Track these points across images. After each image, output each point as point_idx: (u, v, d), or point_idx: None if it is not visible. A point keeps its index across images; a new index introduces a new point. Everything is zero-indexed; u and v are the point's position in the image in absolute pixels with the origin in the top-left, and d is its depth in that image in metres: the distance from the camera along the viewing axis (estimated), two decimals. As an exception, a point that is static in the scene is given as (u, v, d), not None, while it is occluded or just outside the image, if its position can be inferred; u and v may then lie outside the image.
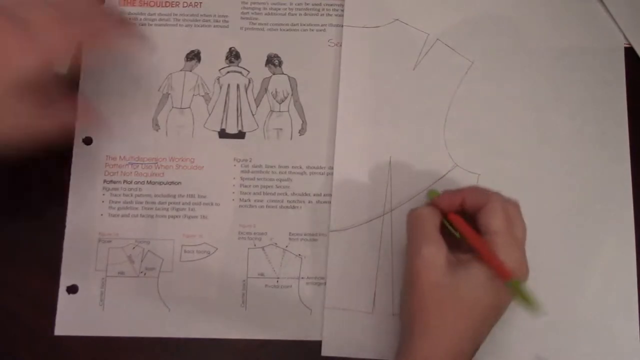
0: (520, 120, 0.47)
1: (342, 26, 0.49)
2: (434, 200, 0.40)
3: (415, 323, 0.37)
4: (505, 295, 0.37)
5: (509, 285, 0.35)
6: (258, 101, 0.48)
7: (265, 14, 0.49)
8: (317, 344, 0.44)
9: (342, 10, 0.49)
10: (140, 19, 0.49)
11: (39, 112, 0.39)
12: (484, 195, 0.39)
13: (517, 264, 0.37)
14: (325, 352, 0.44)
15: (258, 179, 0.47)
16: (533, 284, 0.44)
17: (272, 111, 0.48)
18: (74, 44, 0.39)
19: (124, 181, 0.46)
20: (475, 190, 0.40)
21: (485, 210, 0.38)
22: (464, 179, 0.46)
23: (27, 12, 0.37)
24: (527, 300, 0.35)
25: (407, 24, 0.49)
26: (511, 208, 0.39)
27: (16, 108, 0.37)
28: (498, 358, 0.44)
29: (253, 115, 0.48)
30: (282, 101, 0.48)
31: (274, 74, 0.48)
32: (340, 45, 0.48)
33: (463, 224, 0.39)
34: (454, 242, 0.39)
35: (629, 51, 0.49)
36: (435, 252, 0.37)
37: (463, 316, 0.37)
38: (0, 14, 0.37)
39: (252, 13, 0.49)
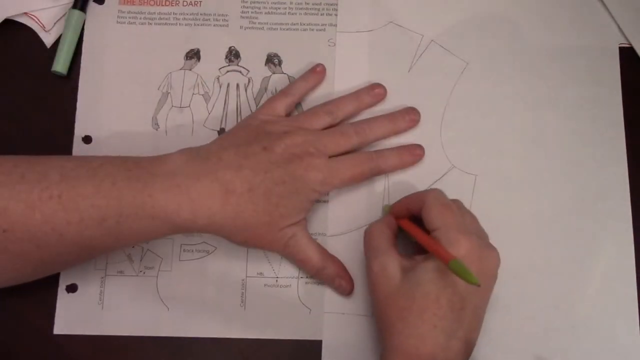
0: (517, 121, 0.47)
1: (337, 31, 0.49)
2: (389, 213, 0.43)
3: (384, 330, 0.39)
4: (462, 281, 0.37)
5: (451, 267, 0.35)
6: (258, 100, 0.48)
7: (265, 13, 0.49)
8: (316, 344, 0.44)
9: (341, 12, 0.49)
10: (140, 18, 0.49)
11: None
12: (421, 196, 0.41)
13: (466, 250, 0.37)
14: (325, 356, 0.44)
15: (257, 179, 0.47)
16: (532, 284, 0.45)
17: (271, 110, 0.48)
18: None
19: (124, 180, 0.46)
20: (415, 194, 0.42)
21: (424, 210, 0.39)
22: (462, 180, 0.46)
23: (324, 142, 0.42)
24: (465, 277, 0.35)
25: (401, 26, 0.49)
26: (448, 200, 0.40)
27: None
28: (498, 358, 0.44)
29: (253, 114, 0.48)
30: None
31: (273, 73, 0.48)
32: (340, 46, 0.49)
33: (410, 225, 0.41)
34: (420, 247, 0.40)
35: (625, 51, 0.49)
36: (385, 264, 0.39)
37: (423, 314, 0.37)
38: (306, 140, 0.42)
39: (252, 12, 0.49)
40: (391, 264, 0.39)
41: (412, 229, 0.41)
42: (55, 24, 0.49)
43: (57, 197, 0.37)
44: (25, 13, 0.48)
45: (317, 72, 0.47)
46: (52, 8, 0.49)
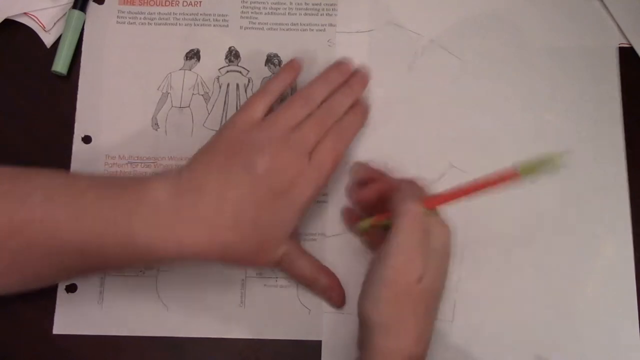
0: (515, 120, 0.47)
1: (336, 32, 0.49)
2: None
3: (392, 326, 0.38)
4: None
5: (522, 172, 0.34)
6: (257, 101, 0.48)
7: (265, 14, 0.49)
8: (316, 344, 0.44)
9: (341, 12, 0.49)
10: (140, 18, 0.49)
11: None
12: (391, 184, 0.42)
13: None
14: (325, 356, 0.44)
15: (257, 179, 0.47)
16: (531, 283, 0.45)
17: (271, 111, 0.48)
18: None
19: (123, 180, 0.46)
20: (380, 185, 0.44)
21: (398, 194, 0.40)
22: (461, 180, 0.46)
23: (305, 139, 0.40)
24: (540, 166, 0.34)
25: (400, 26, 0.49)
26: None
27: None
28: (498, 358, 0.44)
29: (252, 114, 0.48)
30: (282, 101, 0.48)
31: (273, 73, 0.48)
32: (340, 45, 0.49)
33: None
34: None
35: (624, 50, 0.49)
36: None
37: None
38: (286, 147, 0.40)
39: (252, 12, 0.49)
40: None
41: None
42: (55, 24, 0.49)
43: (38, 222, 0.36)
44: (25, 13, 0.49)
45: (293, 67, 0.44)
46: (52, 8, 0.49)
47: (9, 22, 0.48)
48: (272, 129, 0.40)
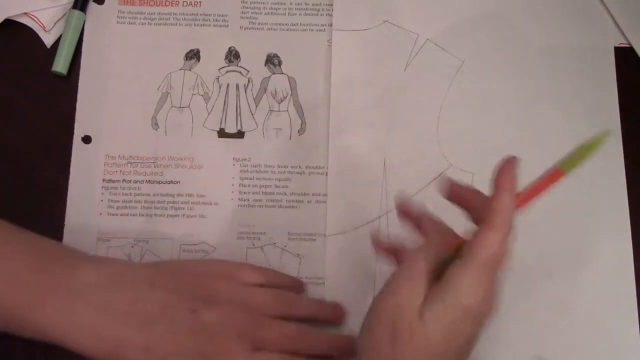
0: (513, 119, 0.47)
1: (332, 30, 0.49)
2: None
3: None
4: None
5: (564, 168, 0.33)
6: (257, 101, 0.48)
7: (265, 14, 0.49)
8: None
9: (340, 12, 0.49)
10: (140, 18, 0.49)
11: None
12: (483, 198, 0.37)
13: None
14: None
15: (257, 179, 0.47)
16: (529, 283, 0.45)
17: (271, 111, 0.48)
18: None
19: (123, 180, 0.46)
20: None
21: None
22: (459, 179, 0.46)
23: (264, 331, 0.39)
24: (591, 147, 0.33)
25: (396, 25, 0.49)
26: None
27: None
28: (498, 358, 0.44)
29: (252, 114, 0.48)
30: (282, 101, 0.48)
31: (273, 73, 0.49)
32: (338, 46, 0.49)
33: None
34: None
35: (621, 50, 0.49)
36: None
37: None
38: (239, 320, 0.38)
39: (252, 13, 0.49)
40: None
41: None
42: (55, 24, 0.49)
43: None
44: (25, 13, 0.49)
45: (335, 313, 0.43)
46: (52, 8, 0.49)
47: (9, 22, 0.49)
48: (246, 295, 0.40)
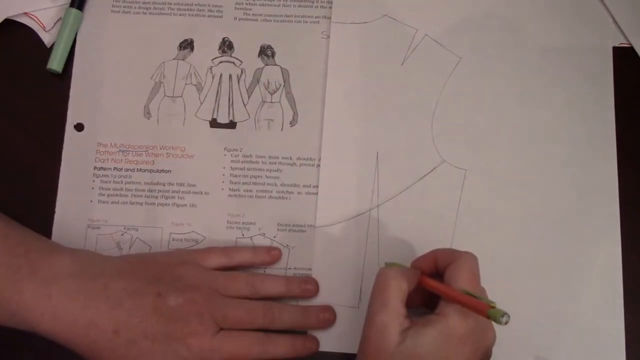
0: (508, 117, 0.47)
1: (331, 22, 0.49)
2: (413, 263, 0.41)
3: None
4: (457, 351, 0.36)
5: (491, 315, 0.34)
6: (250, 91, 0.48)
7: (260, 5, 0.49)
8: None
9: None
10: (135, 7, 0.49)
11: None
12: (455, 254, 0.38)
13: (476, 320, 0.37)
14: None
15: (248, 169, 0.47)
16: (520, 281, 0.45)
17: (263, 102, 0.48)
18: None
19: (114, 168, 0.47)
20: (448, 250, 0.40)
21: (453, 267, 0.37)
22: (451, 175, 0.46)
23: (229, 313, 0.40)
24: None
25: (395, 20, 0.49)
26: (478, 273, 0.38)
27: None
28: (498, 358, 0.44)
29: (245, 105, 0.48)
30: (274, 92, 0.48)
31: (266, 64, 0.49)
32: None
33: (435, 283, 0.38)
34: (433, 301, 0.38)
35: (619, 50, 0.48)
36: (388, 323, 0.36)
37: None
38: (207, 302, 0.40)
39: (246, 4, 0.49)
40: (395, 322, 0.36)
41: (439, 286, 0.38)
42: (55, 24, 0.49)
43: None
44: (25, 13, 0.48)
45: (270, 254, 0.45)
46: (52, 8, 0.49)
47: (9, 22, 0.48)
48: (209, 281, 0.41)
